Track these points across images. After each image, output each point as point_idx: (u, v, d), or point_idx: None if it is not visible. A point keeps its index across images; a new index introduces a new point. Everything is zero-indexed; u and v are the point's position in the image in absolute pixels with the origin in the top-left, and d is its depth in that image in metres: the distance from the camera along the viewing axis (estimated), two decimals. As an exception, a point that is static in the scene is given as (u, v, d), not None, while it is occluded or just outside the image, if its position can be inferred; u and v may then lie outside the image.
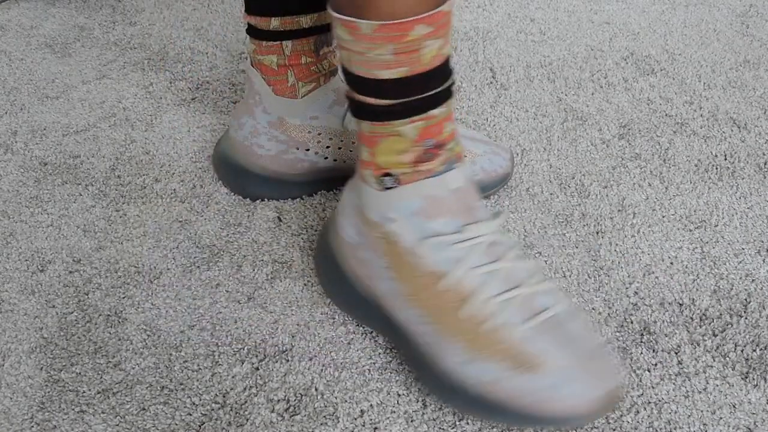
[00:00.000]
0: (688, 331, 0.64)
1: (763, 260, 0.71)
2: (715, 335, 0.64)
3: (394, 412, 0.58)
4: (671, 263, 0.70)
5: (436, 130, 0.55)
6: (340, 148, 0.75)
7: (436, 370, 0.57)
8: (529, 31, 1.09)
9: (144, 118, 0.90)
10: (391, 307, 0.59)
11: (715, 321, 0.65)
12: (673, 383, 0.60)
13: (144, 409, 0.58)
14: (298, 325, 0.65)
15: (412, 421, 0.58)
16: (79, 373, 0.61)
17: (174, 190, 0.79)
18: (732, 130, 0.88)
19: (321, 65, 0.72)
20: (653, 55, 1.02)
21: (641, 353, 0.62)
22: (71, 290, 0.68)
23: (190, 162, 0.83)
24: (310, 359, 0.62)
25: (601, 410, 0.54)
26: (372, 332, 0.64)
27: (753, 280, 0.69)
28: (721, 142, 0.86)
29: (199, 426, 0.57)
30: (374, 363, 0.62)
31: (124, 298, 0.67)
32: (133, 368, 0.61)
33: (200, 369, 0.61)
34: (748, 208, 0.77)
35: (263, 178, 0.77)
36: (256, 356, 0.62)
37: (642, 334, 0.64)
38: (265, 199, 0.78)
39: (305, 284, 0.68)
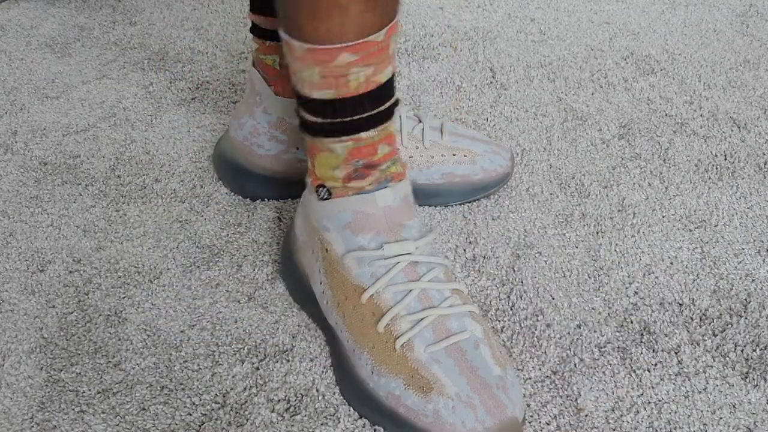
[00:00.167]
0: (688, 331, 0.64)
1: (763, 260, 0.71)
2: (715, 335, 0.64)
3: (394, 412, 0.58)
4: (671, 263, 0.70)
5: (367, 152, 0.56)
6: (340, 148, 0.75)
7: (354, 378, 0.58)
8: (529, 31, 1.09)
9: (144, 118, 0.90)
10: (324, 310, 0.61)
11: (715, 321, 0.65)
12: (673, 383, 0.60)
13: (144, 409, 0.58)
14: (298, 325, 0.65)
15: (412, 421, 0.58)
16: (79, 373, 0.61)
17: (174, 190, 0.79)
18: (732, 130, 0.88)
19: (321, 65, 0.72)
20: (653, 55, 1.02)
21: (641, 353, 0.62)
22: (71, 290, 0.68)
23: (190, 162, 0.83)
24: (311, 360, 0.62)
25: None
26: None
27: (753, 280, 0.69)
28: (721, 142, 0.86)
29: (199, 426, 0.57)
30: (374, 363, 0.62)
31: (124, 298, 0.67)
32: (133, 368, 0.61)
33: (200, 369, 0.61)
34: (748, 208, 0.77)
35: (263, 178, 0.77)
36: (257, 356, 0.62)
37: (642, 334, 0.64)
38: (265, 199, 0.78)
39: (305, 284, 0.68)
